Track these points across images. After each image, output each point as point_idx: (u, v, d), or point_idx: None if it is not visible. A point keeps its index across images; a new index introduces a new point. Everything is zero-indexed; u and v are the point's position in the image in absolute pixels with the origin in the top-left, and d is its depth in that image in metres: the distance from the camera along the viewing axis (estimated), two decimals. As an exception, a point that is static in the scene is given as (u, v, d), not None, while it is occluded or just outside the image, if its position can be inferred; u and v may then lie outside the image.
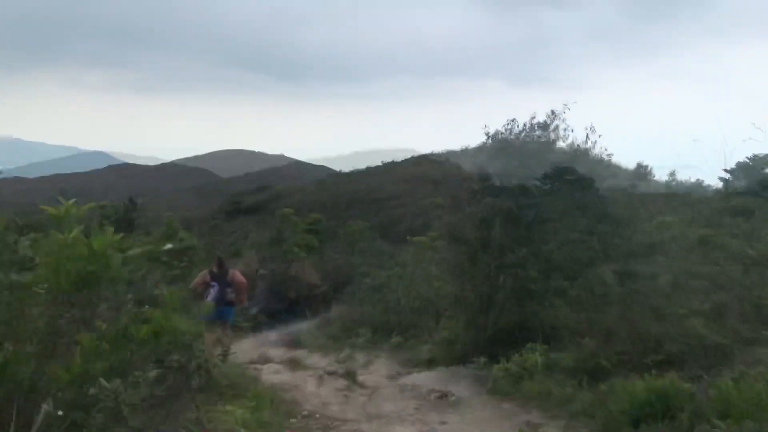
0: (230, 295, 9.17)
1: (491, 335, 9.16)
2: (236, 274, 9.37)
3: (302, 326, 13.88)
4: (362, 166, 43.75)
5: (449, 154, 43.43)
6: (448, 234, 10.34)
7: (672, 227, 10.80)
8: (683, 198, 21.07)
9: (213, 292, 8.94)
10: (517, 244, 9.25)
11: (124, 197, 26.53)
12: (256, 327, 14.43)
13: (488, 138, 42.67)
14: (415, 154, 47.40)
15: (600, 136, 40.80)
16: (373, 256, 20.11)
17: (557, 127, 41.20)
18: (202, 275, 9.34)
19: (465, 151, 44.27)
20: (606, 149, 40.19)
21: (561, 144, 41.57)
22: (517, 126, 42.46)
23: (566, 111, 41.06)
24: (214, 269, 9.26)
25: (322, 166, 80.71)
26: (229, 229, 31.63)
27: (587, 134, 40.83)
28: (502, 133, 42.47)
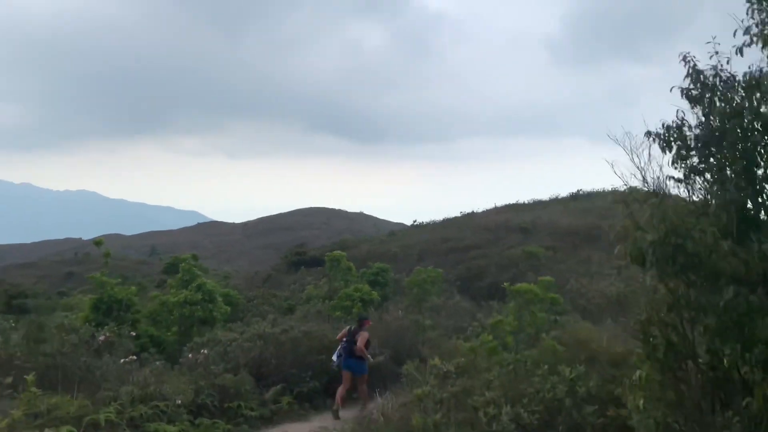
0: (358, 351, 9.90)
1: None
2: (362, 338, 9.98)
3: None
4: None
5: (536, 204, 37.63)
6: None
7: None
8: None
9: (341, 347, 10.06)
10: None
11: (211, 252, 23.57)
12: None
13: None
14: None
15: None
16: (450, 315, 14.97)
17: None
18: (343, 331, 10.41)
19: (555, 200, 38.23)
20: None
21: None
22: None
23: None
24: (352, 328, 10.30)
25: (400, 224, 76.72)
26: (287, 281, 27.25)
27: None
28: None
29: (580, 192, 39.84)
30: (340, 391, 9.74)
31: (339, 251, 16.60)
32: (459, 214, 40.66)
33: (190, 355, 8.45)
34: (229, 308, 14.30)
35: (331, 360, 10.21)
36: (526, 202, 38.46)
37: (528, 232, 28.41)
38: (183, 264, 14.53)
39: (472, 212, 40.73)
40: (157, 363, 8.69)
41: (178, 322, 12.89)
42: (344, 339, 10.09)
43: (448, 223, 37.88)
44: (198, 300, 12.70)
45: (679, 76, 4.65)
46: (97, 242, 16.22)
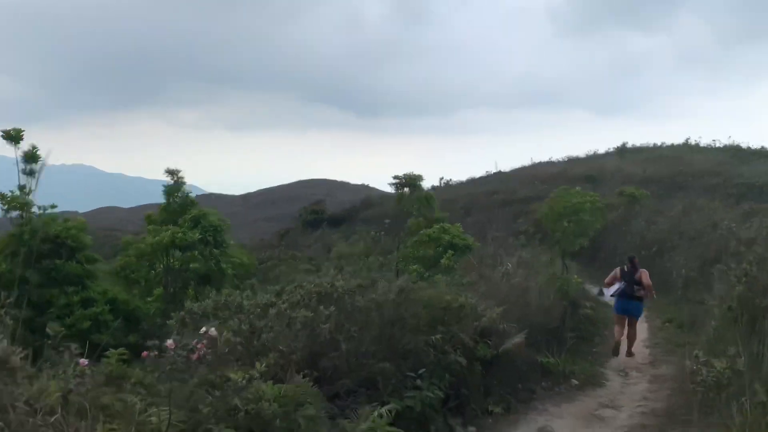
0: (639, 291, 8.90)
1: None
2: (644, 275, 8.97)
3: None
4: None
5: (589, 157, 32.20)
6: None
7: None
8: None
9: (618, 287, 8.95)
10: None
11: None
12: None
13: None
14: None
15: None
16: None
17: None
18: (614, 273, 9.25)
19: (607, 153, 32.85)
20: None
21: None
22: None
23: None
24: (626, 268, 9.11)
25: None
26: (305, 242, 21.79)
27: None
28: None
29: (627, 145, 34.74)
30: (619, 332, 8.99)
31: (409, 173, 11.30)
32: (486, 173, 35.47)
33: (170, 342, 3.05)
34: (243, 260, 8.85)
35: (602, 293, 9.44)
36: (580, 155, 33.09)
37: (596, 181, 23.07)
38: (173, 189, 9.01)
39: (500, 171, 35.49)
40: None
41: (162, 280, 7.47)
42: (620, 281, 9.01)
43: (483, 180, 32.51)
44: (195, 241, 7.28)
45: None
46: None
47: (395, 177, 11.22)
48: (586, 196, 8.34)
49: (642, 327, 10.99)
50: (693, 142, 32.60)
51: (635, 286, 8.82)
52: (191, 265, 7.81)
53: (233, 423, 3.57)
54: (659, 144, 35.09)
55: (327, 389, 5.19)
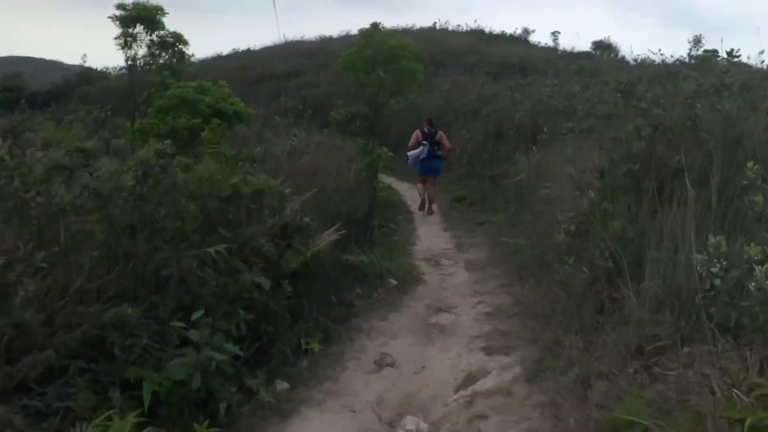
0: (439, 151, 9.41)
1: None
2: (443, 136, 9.57)
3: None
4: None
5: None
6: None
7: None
8: None
9: (424, 148, 9.25)
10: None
11: None
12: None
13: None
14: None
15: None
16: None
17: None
18: (415, 135, 9.56)
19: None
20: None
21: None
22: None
23: None
24: (426, 129, 9.52)
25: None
26: None
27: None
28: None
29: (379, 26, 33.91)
30: (422, 189, 9.57)
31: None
32: (233, 50, 31.72)
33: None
34: None
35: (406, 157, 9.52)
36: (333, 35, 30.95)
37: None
38: None
39: (249, 49, 32.00)
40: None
41: None
42: (421, 142, 9.37)
43: (233, 56, 28.74)
44: None
45: None
46: None
47: (120, 6, 7.56)
48: (402, 40, 6.40)
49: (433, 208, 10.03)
50: (440, 27, 33.25)
51: (436, 147, 9.35)
52: None
53: None
54: (410, 26, 35.15)
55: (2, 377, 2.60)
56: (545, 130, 8.87)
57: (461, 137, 11.36)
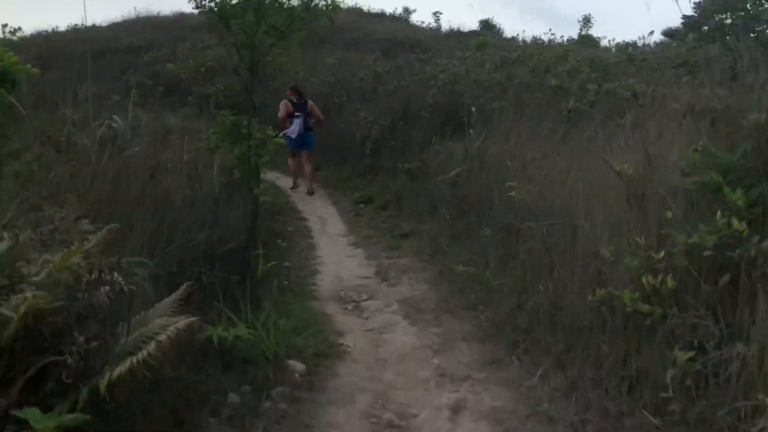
0: (310, 122, 8.56)
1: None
2: (313, 105, 8.74)
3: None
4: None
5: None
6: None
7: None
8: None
9: (299, 122, 8.35)
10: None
11: None
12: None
13: None
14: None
15: None
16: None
17: None
18: (285, 105, 8.48)
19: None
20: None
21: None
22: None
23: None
24: (294, 99, 8.53)
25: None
26: None
27: None
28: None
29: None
30: (295, 166, 8.64)
31: None
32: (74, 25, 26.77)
33: None
34: None
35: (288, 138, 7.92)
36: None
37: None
38: None
39: (95, 25, 27.28)
40: None
41: None
42: (293, 114, 8.40)
43: (72, 32, 23.98)
44: None
45: None
46: None
47: None
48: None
49: (329, 212, 7.61)
50: (315, 4, 30.52)
51: (308, 118, 8.51)
52: None
53: None
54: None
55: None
56: (473, 109, 6.79)
57: (360, 120, 9.00)
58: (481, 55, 9.79)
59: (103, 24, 27.53)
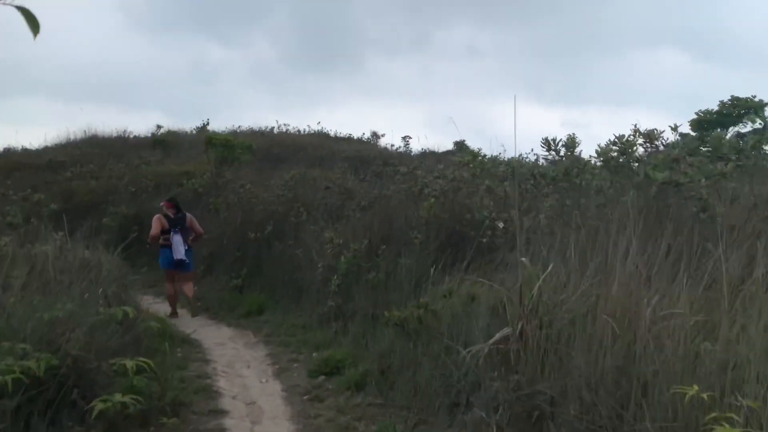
0: (190, 239, 7.72)
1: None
2: (194, 220, 7.90)
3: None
4: None
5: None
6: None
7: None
8: None
9: (178, 239, 7.41)
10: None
11: None
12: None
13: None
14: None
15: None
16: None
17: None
18: (159, 221, 7.55)
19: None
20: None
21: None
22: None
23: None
24: (170, 214, 7.59)
25: None
26: None
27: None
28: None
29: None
30: (172, 289, 7.47)
31: None
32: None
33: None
34: None
35: (182, 260, 7.33)
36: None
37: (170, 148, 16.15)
38: None
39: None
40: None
41: None
42: (170, 229, 7.44)
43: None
44: None
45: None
46: None
47: None
48: None
49: (269, 392, 4.70)
50: (278, 131, 29.25)
51: (188, 234, 7.67)
52: None
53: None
54: (237, 128, 30.52)
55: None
56: (501, 225, 4.27)
57: (324, 243, 6.33)
58: (476, 167, 7.53)
59: (56, 143, 25.27)
